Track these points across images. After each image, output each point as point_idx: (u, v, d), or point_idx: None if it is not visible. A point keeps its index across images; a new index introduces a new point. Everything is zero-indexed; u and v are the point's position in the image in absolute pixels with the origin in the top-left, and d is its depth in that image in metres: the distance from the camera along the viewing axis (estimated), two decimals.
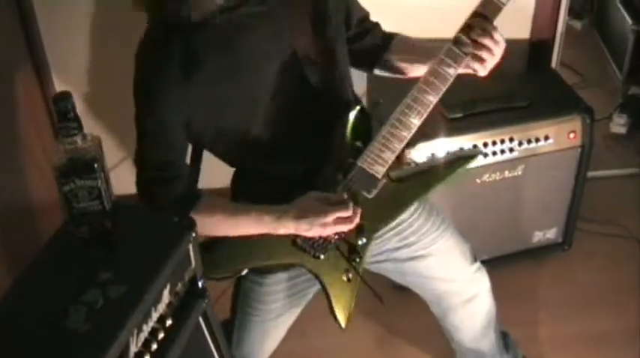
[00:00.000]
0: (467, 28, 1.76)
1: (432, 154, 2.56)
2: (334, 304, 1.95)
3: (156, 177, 1.83)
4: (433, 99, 1.80)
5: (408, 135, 1.82)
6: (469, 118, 2.68)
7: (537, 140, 2.69)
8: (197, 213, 1.80)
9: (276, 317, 2.08)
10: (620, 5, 4.01)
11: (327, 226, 1.78)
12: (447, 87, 1.80)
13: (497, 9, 1.75)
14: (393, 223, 2.00)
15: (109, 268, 1.58)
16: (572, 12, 4.16)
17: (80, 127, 1.55)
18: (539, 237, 2.96)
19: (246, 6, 1.71)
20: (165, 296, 1.62)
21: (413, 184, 1.95)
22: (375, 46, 2.02)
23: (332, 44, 1.87)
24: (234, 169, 2.01)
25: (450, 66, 1.77)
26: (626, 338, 2.73)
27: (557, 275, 3.03)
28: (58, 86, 2.97)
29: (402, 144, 1.82)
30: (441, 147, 2.58)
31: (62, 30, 2.86)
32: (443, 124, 2.63)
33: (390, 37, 2.04)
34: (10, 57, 2.76)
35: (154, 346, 1.59)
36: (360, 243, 1.91)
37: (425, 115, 1.81)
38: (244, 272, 1.99)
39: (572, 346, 2.74)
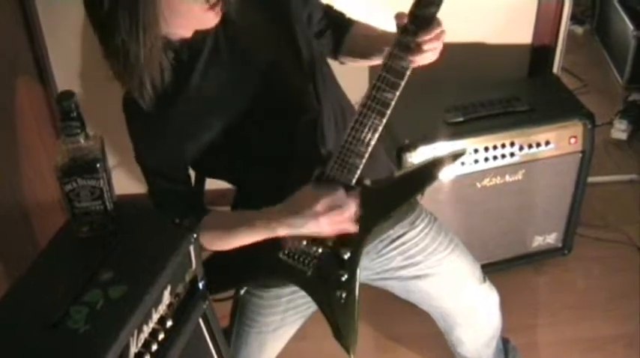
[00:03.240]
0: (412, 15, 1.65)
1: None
2: (333, 327, 1.90)
3: (162, 205, 1.89)
4: (392, 96, 1.69)
5: (373, 137, 1.73)
6: (470, 122, 2.67)
7: (538, 145, 2.69)
8: (200, 232, 1.81)
9: (273, 330, 2.07)
10: (621, 11, 4.01)
11: (319, 216, 1.71)
12: (404, 81, 1.69)
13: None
14: (397, 242, 1.99)
15: (109, 268, 1.58)
16: (574, 17, 4.16)
17: (83, 127, 1.55)
18: (539, 241, 2.96)
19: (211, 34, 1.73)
20: (166, 297, 1.62)
21: (390, 193, 1.86)
22: (335, 32, 1.96)
23: (298, 50, 1.84)
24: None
25: (402, 59, 1.67)
26: (625, 344, 2.73)
27: (556, 281, 3.02)
28: (60, 86, 2.96)
29: (369, 148, 1.74)
30: (442, 150, 2.58)
31: (64, 29, 2.86)
32: (443, 128, 2.63)
33: (350, 23, 1.98)
34: (12, 57, 2.76)
35: (154, 347, 1.59)
36: (345, 256, 1.84)
37: (388, 114, 1.71)
38: (242, 291, 2.00)
39: (572, 352, 2.74)
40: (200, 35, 1.71)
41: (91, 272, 1.57)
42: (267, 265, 1.90)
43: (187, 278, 1.72)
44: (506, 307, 2.23)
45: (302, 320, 2.09)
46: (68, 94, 1.53)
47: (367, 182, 1.81)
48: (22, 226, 2.71)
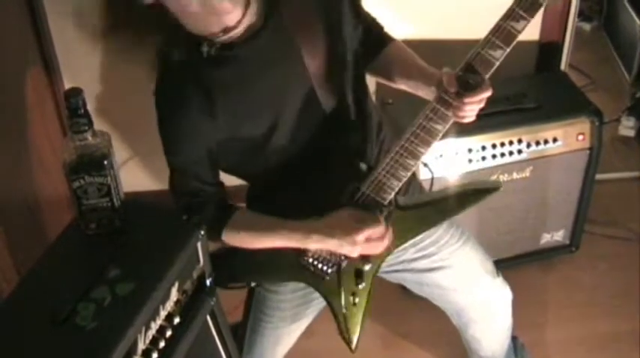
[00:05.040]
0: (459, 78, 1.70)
1: (440, 156, 2.56)
2: (342, 326, 1.94)
3: (188, 204, 1.87)
4: (441, 127, 1.74)
5: (414, 163, 1.76)
6: (477, 119, 2.66)
7: (546, 142, 2.69)
8: (228, 230, 1.84)
9: (289, 323, 2.08)
10: (629, 7, 3.99)
11: (357, 244, 1.75)
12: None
13: (490, 64, 1.68)
14: None
15: (117, 265, 1.59)
16: (582, 14, 4.15)
17: (91, 124, 1.56)
18: (546, 239, 2.95)
19: (259, 37, 1.68)
20: (174, 295, 1.63)
21: (422, 215, 1.91)
22: (372, 46, 1.96)
23: (343, 64, 1.83)
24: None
25: (477, 76, 1.70)
26: (632, 342, 2.73)
27: (564, 278, 3.02)
28: (68, 84, 2.96)
29: (409, 173, 1.78)
30: (450, 147, 2.58)
31: (72, 28, 2.86)
32: (451, 125, 2.62)
33: (388, 40, 1.98)
34: (19, 55, 2.76)
35: (162, 344, 1.59)
36: (366, 268, 1.88)
37: (433, 143, 1.75)
38: (253, 284, 2.01)
39: (579, 349, 2.73)
40: (248, 34, 1.65)
41: (99, 269, 1.58)
42: (286, 267, 1.92)
43: (195, 275, 1.72)
44: (514, 304, 2.23)
45: (314, 314, 2.10)
46: (76, 91, 1.54)
47: (400, 202, 1.85)
48: (32, 222, 2.72)
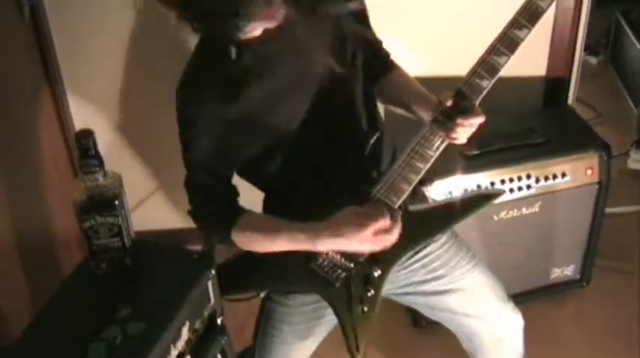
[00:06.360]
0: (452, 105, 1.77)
1: (450, 192, 2.56)
2: (348, 336, 1.93)
3: (200, 200, 1.90)
4: (440, 144, 1.80)
5: (424, 166, 1.80)
6: (486, 155, 2.67)
7: (554, 177, 2.69)
8: (236, 231, 1.85)
9: (299, 340, 2.07)
10: (635, 41, 4.01)
11: (366, 240, 1.76)
12: None
13: (480, 89, 1.75)
14: (420, 254, 2.00)
15: (128, 305, 1.59)
16: (588, 48, 4.17)
17: (101, 164, 1.57)
18: (557, 273, 2.94)
19: (277, 37, 1.70)
20: (184, 333, 1.63)
21: (430, 220, 1.94)
22: (376, 71, 2.00)
23: (350, 72, 1.87)
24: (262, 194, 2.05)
25: (467, 101, 1.76)
26: None
27: (575, 313, 3.00)
28: (77, 121, 2.97)
29: (418, 176, 1.81)
30: (458, 184, 2.58)
31: (82, 66, 2.88)
32: (459, 161, 2.63)
33: (391, 67, 2.04)
34: (28, 93, 2.78)
35: None
36: (375, 274, 1.90)
37: (442, 147, 1.80)
38: (262, 294, 2.02)
39: None
40: (267, 39, 1.68)
41: (110, 308, 1.58)
42: (295, 272, 1.92)
43: (206, 313, 1.73)
44: (525, 339, 2.22)
45: (324, 333, 2.09)
46: (86, 133, 1.55)
47: (410, 207, 1.89)
48: (44, 259, 2.73)
